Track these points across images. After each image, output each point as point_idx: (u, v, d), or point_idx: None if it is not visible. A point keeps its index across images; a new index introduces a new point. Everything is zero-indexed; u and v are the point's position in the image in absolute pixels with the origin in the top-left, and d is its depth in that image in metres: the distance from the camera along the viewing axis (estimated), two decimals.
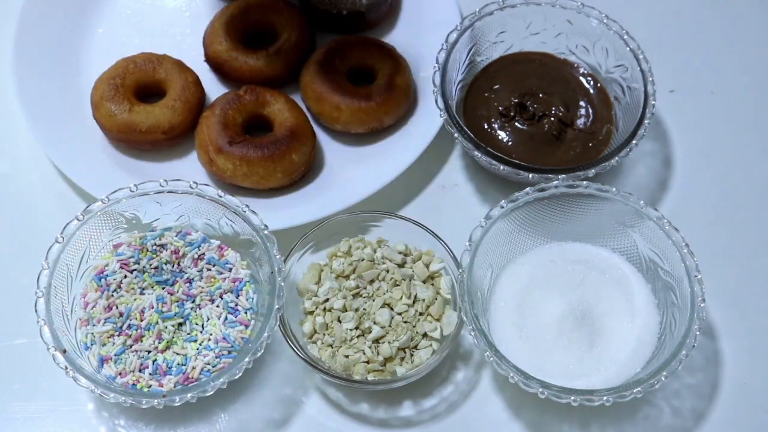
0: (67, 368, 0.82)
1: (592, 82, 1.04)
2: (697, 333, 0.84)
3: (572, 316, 0.90)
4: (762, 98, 1.10)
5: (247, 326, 0.88)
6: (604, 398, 0.82)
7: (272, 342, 0.88)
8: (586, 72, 1.05)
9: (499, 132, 1.01)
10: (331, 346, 0.88)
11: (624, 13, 1.04)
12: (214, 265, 0.91)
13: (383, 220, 0.94)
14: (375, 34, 1.11)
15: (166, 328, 0.88)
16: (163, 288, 0.90)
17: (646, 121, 0.96)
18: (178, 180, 0.91)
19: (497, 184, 1.03)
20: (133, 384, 0.85)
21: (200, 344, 0.87)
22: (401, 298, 0.89)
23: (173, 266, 0.91)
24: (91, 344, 0.87)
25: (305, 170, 1.01)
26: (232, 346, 0.87)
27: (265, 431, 0.89)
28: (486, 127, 1.01)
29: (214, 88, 1.08)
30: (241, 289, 0.90)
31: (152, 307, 0.89)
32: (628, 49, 1.00)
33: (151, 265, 0.91)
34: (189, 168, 1.02)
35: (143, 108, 1.01)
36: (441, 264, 0.91)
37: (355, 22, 1.10)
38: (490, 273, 0.92)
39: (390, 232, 0.94)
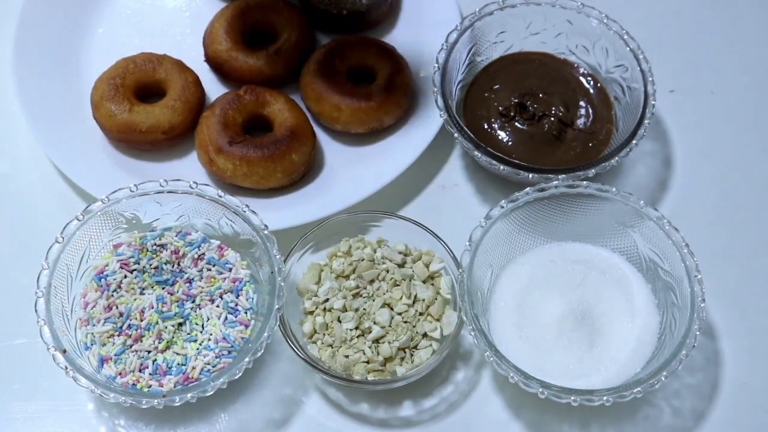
0: (67, 368, 0.82)
1: (592, 82, 1.04)
2: (697, 333, 0.84)
3: (572, 316, 0.90)
4: (762, 98, 1.10)
5: (247, 326, 0.88)
6: (604, 398, 0.82)
7: (272, 342, 0.88)
8: (586, 72, 1.05)
9: (499, 132, 1.01)
10: (331, 346, 0.88)
11: (624, 13, 1.04)
12: (214, 265, 0.91)
13: (383, 220, 0.94)
14: (375, 34, 1.11)
15: (166, 328, 0.88)
16: (163, 288, 0.90)
17: (646, 121, 0.96)
18: (178, 180, 0.91)
19: (497, 184, 1.03)
20: (133, 384, 0.85)
21: (200, 344, 0.87)
22: (401, 298, 0.89)
23: (173, 266, 0.91)
24: (91, 344, 0.87)
25: (305, 170, 1.01)
26: (232, 346, 0.87)
27: (265, 431, 0.89)
28: (486, 127, 1.01)
29: (214, 88, 1.08)
30: (241, 289, 0.90)
31: (152, 307, 0.89)
32: (628, 49, 1.00)
33: (151, 265, 0.91)
34: (189, 168, 1.02)
35: (143, 108, 1.01)
36: (441, 264, 0.91)
37: (355, 22, 1.10)
38: (490, 273, 0.92)
39: (390, 232, 0.94)
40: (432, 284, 0.91)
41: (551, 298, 0.91)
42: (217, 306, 0.89)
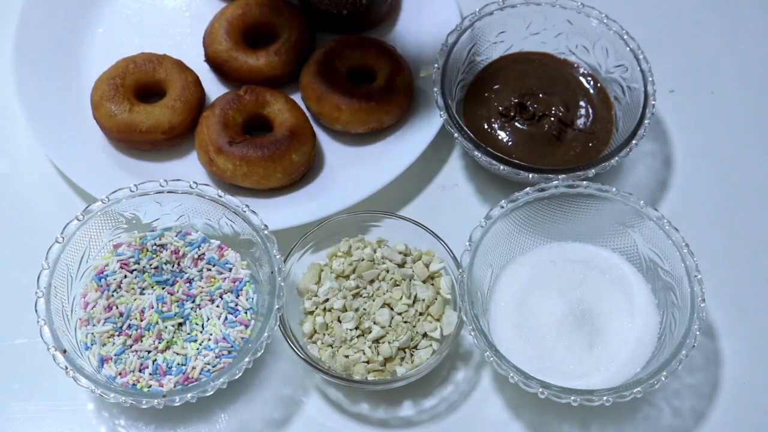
0: (67, 368, 0.82)
1: (592, 82, 1.04)
2: (697, 333, 0.84)
3: (572, 316, 0.90)
4: (762, 98, 1.10)
5: (247, 326, 0.88)
6: (604, 398, 0.82)
7: (272, 342, 0.88)
8: (586, 72, 1.05)
9: (499, 132, 1.01)
10: (331, 346, 0.88)
11: (624, 13, 1.04)
12: (214, 265, 0.91)
13: (383, 220, 0.94)
14: (375, 34, 1.11)
15: (166, 328, 0.88)
16: (163, 288, 0.90)
17: (646, 121, 0.96)
18: (178, 180, 0.91)
19: (497, 184, 1.03)
20: (133, 384, 0.85)
21: (200, 344, 0.87)
22: (401, 298, 0.89)
23: (173, 266, 0.91)
24: (91, 344, 0.87)
25: (305, 170, 1.01)
26: (232, 346, 0.87)
27: (265, 431, 0.89)
28: (486, 127, 1.01)
29: (214, 88, 1.08)
30: (241, 289, 0.90)
31: (152, 307, 0.89)
32: (628, 49, 1.00)
33: (151, 265, 0.91)
34: (189, 168, 1.02)
35: (143, 108, 1.01)
36: (441, 264, 0.91)
37: (355, 22, 1.10)
38: (490, 273, 0.92)
39: (390, 232, 0.94)
40: (432, 284, 0.91)
41: (551, 298, 0.91)
42: (217, 306, 0.89)
